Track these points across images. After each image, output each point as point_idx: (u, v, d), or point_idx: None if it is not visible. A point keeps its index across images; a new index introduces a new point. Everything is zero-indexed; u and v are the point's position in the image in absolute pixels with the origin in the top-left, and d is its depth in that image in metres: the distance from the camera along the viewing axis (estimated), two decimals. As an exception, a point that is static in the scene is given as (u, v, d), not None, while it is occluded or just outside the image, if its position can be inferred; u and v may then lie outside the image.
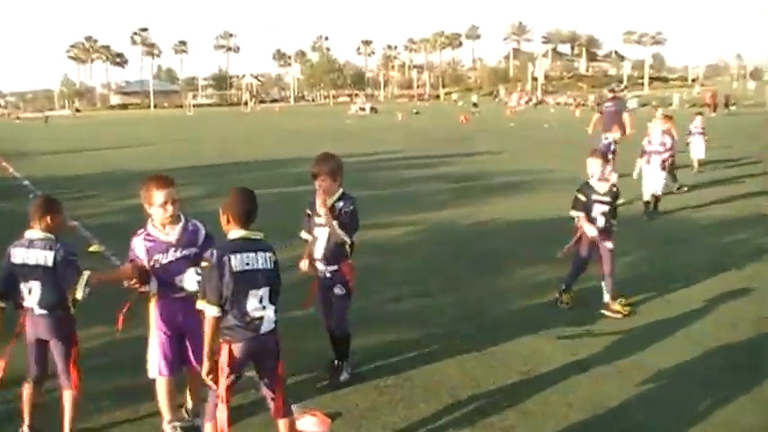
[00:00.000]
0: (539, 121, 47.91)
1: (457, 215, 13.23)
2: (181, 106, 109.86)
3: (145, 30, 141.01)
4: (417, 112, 68.10)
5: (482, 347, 6.53)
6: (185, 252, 4.80)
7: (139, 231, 4.89)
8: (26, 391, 4.87)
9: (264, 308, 4.13)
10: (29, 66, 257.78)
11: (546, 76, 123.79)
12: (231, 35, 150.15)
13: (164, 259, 4.76)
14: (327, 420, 4.96)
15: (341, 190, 5.68)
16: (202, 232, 4.92)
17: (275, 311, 4.21)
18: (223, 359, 4.07)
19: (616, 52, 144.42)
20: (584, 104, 75.43)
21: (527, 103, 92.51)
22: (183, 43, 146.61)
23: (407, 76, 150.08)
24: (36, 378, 4.88)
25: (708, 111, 48.97)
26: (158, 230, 4.80)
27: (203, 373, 4.13)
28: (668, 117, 17.34)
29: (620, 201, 7.92)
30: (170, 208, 4.72)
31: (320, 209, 5.59)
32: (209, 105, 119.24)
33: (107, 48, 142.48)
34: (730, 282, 8.54)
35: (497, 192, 16.13)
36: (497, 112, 65.12)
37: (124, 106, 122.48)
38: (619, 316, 7.30)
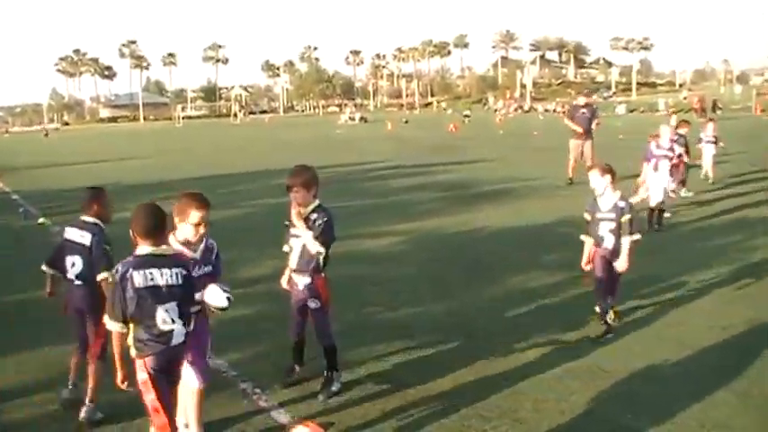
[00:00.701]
0: (528, 128, 48.04)
1: (448, 223, 13.26)
2: (170, 118, 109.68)
3: (133, 42, 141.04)
4: (407, 121, 68.17)
5: (474, 355, 6.53)
6: (205, 269, 4.87)
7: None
8: (73, 357, 5.64)
9: (173, 321, 4.19)
10: (17, 80, 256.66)
11: (534, 84, 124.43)
12: (220, 46, 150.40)
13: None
14: (320, 430, 4.96)
15: (316, 201, 5.71)
16: (215, 251, 5.04)
17: (184, 324, 4.25)
18: (143, 374, 4.17)
19: (604, 59, 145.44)
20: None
21: (516, 110, 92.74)
22: (171, 55, 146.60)
23: (396, 86, 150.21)
24: (80, 347, 5.60)
25: (695, 115, 49.27)
26: (184, 246, 4.80)
27: (118, 381, 4.28)
28: (686, 122, 16.87)
29: (626, 217, 7.13)
30: (202, 229, 4.76)
31: (296, 220, 5.66)
32: (199, 117, 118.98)
33: (95, 60, 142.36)
34: (720, 284, 8.58)
35: (488, 199, 16.16)
36: (487, 120, 65.27)
37: (113, 119, 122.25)
38: (610, 324, 7.24)
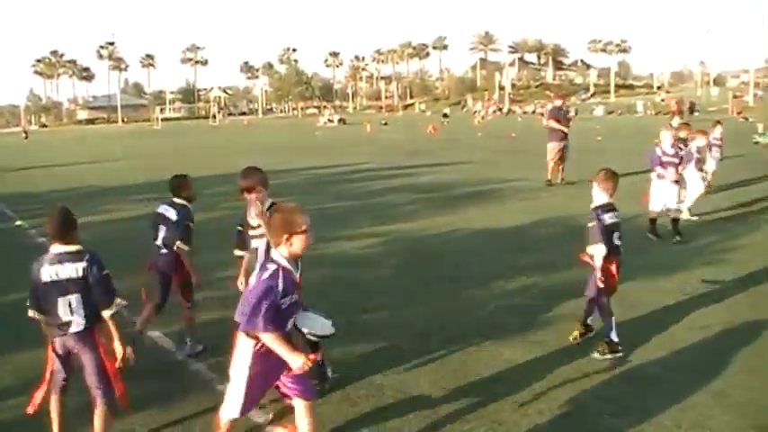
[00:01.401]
0: (506, 130, 48.25)
1: (426, 225, 13.23)
2: (148, 120, 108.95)
3: (111, 44, 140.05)
4: (386, 123, 68.27)
5: (452, 357, 6.53)
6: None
7: (269, 266, 4.33)
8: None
9: (73, 312, 4.62)
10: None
11: (513, 85, 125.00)
12: (199, 48, 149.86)
13: (290, 300, 4.36)
14: None
15: (270, 200, 5.85)
16: None
17: (85, 315, 4.63)
18: (50, 352, 4.78)
19: (582, 61, 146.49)
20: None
21: (494, 112, 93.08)
22: (150, 57, 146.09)
23: (375, 87, 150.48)
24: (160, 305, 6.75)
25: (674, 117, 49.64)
26: (290, 264, 4.38)
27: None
28: (686, 125, 15.82)
29: (591, 224, 6.51)
30: (311, 235, 4.41)
31: (257, 219, 5.75)
32: (178, 119, 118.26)
33: (73, 62, 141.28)
34: (698, 286, 8.63)
35: (466, 201, 16.16)
36: (466, 122, 65.47)
37: (91, 121, 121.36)
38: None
